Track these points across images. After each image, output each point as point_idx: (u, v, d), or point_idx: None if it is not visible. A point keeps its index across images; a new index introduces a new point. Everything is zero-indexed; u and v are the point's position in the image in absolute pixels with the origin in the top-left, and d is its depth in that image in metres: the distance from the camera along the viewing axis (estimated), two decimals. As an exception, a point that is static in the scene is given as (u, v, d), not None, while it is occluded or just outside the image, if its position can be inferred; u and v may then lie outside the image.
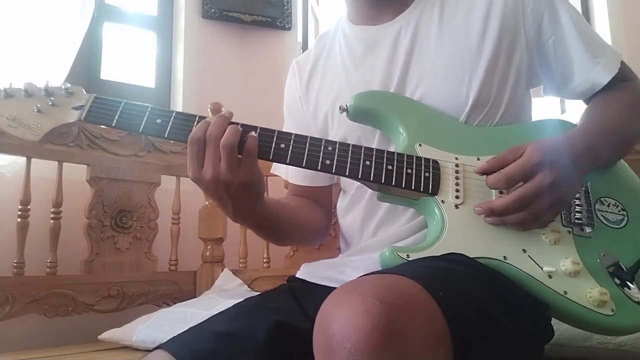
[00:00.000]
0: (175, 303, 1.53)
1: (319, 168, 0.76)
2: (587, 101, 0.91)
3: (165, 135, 0.76)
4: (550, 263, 0.73)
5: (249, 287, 1.68)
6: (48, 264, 1.45)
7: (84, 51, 1.91)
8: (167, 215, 1.72)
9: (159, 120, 0.76)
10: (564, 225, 0.78)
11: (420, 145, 0.81)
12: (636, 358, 1.11)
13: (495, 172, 0.76)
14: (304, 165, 0.76)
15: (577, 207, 0.79)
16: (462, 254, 0.72)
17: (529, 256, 0.74)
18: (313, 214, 0.99)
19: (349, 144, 0.78)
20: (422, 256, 0.71)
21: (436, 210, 0.76)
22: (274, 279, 1.67)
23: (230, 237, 1.75)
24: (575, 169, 0.76)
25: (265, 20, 2.34)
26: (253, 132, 0.74)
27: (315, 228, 0.99)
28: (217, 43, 2.29)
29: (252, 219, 0.82)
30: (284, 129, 0.92)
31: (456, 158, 0.80)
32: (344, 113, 0.84)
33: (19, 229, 1.42)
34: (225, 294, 1.54)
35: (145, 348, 1.25)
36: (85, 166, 1.56)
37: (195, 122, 0.76)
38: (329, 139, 0.84)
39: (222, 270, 1.69)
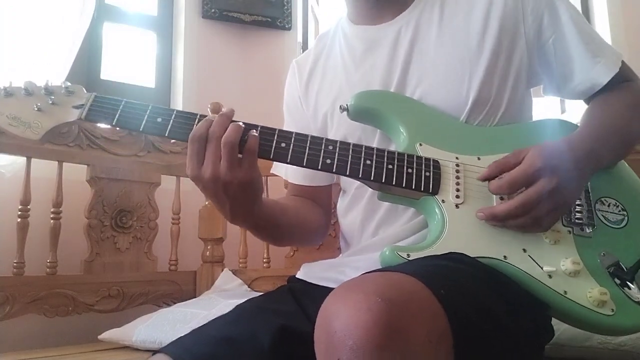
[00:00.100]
0: (175, 303, 1.53)
1: (319, 167, 0.76)
2: (587, 101, 0.91)
3: (166, 134, 0.76)
4: (550, 263, 0.73)
5: (249, 287, 1.68)
6: (48, 264, 1.45)
7: (84, 51, 1.91)
8: (167, 215, 1.72)
9: (159, 119, 0.76)
10: (564, 225, 0.78)
11: (420, 144, 0.81)
12: (636, 358, 1.11)
13: (496, 177, 0.76)
14: (304, 164, 0.76)
15: (577, 207, 0.79)
16: (462, 254, 0.72)
17: (529, 256, 0.74)
18: (312, 213, 0.99)
19: (349, 143, 0.77)
20: (422, 255, 0.71)
21: (437, 210, 0.76)
22: (274, 279, 1.67)
23: (230, 237, 1.75)
24: (576, 174, 0.76)
25: (265, 20, 2.34)
26: (254, 131, 0.74)
27: (315, 228, 0.99)
28: (217, 43, 2.29)
29: (250, 220, 0.82)
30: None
31: (457, 157, 0.80)
32: (344, 112, 0.84)
33: (19, 229, 1.42)
34: (225, 294, 1.54)
35: (145, 348, 1.25)
36: (85, 166, 1.56)
37: (196, 120, 0.76)
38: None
39: (222, 270, 1.69)
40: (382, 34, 0.91)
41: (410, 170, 0.77)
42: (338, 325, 0.50)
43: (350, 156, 0.76)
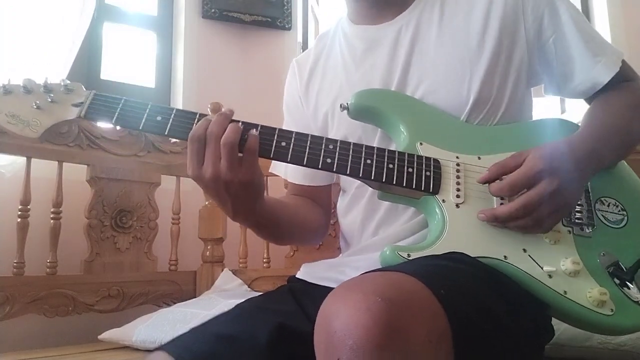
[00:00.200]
0: (175, 303, 1.53)
1: (320, 166, 0.76)
2: (588, 100, 0.91)
3: (166, 133, 0.75)
4: (550, 263, 0.73)
5: (249, 287, 1.68)
6: (48, 264, 1.45)
7: (84, 51, 1.91)
8: (167, 215, 1.72)
9: (159, 118, 0.76)
10: (564, 225, 0.78)
11: (421, 144, 0.81)
12: (636, 358, 1.11)
13: (497, 179, 0.76)
14: (304, 163, 0.76)
15: (577, 207, 0.79)
16: (462, 253, 0.71)
17: (529, 256, 0.74)
18: (312, 213, 0.99)
19: (350, 142, 0.77)
20: (422, 255, 0.71)
21: (437, 210, 0.76)
22: (274, 279, 1.67)
23: (230, 237, 1.75)
24: (577, 175, 0.76)
25: (265, 20, 2.34)
26: (254, 130, 0.74)
27: (314, 227, 0.99)
28: (217, 43, 2.29)
29: (251, 218, 0.82)
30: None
31: (457, 157, 0.80)
32: (345, 112, 0.84)
33: (19, 229, 1.42)
34: (225, 294, 1.54)
35: (145, 348, 1.25)
36: (85, 166, 1.56)
37: (196, 119, 0.76)
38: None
39: (222, 270, 1.69)
40: (382, 34, 0.91)
41: (410, 170, 0.77)
42: (338, 325, 0.50)
43: (350, 155, 0.76)
